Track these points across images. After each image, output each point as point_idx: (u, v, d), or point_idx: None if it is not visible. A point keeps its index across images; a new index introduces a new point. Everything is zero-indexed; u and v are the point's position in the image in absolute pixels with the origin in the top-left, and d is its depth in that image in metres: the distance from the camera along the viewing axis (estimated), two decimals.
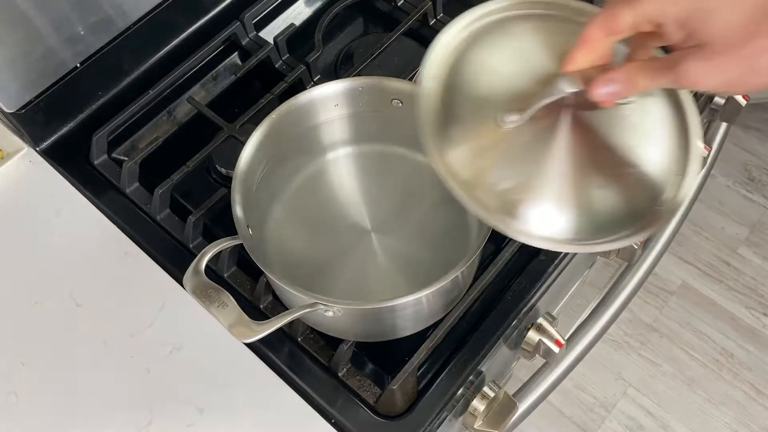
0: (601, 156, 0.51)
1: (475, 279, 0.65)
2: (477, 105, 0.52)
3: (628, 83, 0.46)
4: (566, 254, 0.69)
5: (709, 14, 0.43)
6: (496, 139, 0.50)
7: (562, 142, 0.49)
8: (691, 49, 0.44)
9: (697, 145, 0.52)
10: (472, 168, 0.50)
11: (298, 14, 0.88)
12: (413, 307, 0.59)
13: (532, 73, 0.50)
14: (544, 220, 0.49)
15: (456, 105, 0.52)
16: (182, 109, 0.82)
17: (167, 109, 0.81)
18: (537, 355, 0.72)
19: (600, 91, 0.47)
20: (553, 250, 0.51)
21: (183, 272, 0.55)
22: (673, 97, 0.53)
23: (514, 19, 0.55)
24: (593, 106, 0.48)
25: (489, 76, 0.53)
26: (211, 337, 0.65)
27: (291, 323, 0.58)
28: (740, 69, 0.43)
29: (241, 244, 0.56)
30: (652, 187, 0.51)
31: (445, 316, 0.63)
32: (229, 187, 0.60)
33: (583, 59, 0.48)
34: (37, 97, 0.73)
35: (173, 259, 0.69)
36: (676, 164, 0.52)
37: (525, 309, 0.66)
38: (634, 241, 0.50)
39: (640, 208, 0.51)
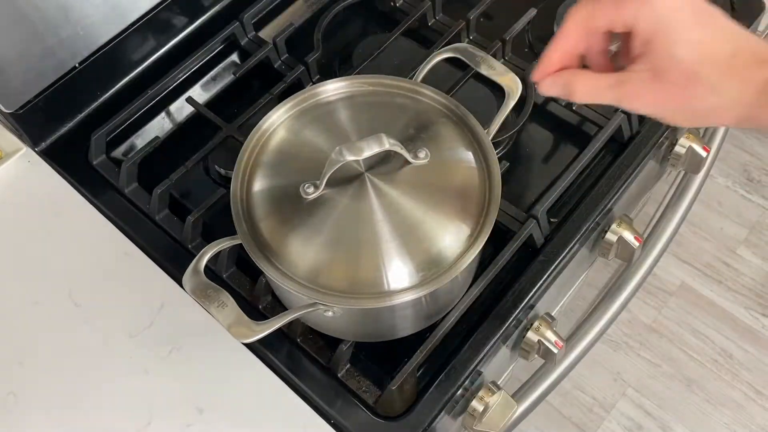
0: (408, 208, 0.54)
1: (475, 279, 0.65)
2: (289, 178, 0.56)
3: (569, 86, 0.48)
4: (566, 254, 0.69)
5: (672, 41, 0.44)
6: (305, 209, 0.54)
7: (371, 204, 0.54)
8: (641, 72, 0.45)
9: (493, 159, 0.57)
10: (281, 239, 0.54)
11: (297, 14, 0.88)
12: (413, 307, 0.58)
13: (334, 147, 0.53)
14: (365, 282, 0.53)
15: (271, 178, 0.57)
16: (181, 109, 0.81)
17: (166, 109, 0.81)
18: (536, 356, 0.72)
19: (544, 83, 0.49)
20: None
21: (182, 272, 0.54)
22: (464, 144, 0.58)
23: (336, 100, 0.60)
24: (392, 171, 0.55)
25: (303, 152, 0.58)
26: (211, 337, 0.65)
27: (290, 323, 0.58)
28: (677, 104, 0.45)
29: (240, 244, 0.56)
30: (467, 203, 0.55)
31: (445, 316, 0.63)
32: (228, 187, 0.60)
33: (559, 50, 0.49)
34: (35, 97, 0.73)
35: (172, 259, 0.69)
36: (482, 176, 0.56)
37: (525, 309, 0.66)
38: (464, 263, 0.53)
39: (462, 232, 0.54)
